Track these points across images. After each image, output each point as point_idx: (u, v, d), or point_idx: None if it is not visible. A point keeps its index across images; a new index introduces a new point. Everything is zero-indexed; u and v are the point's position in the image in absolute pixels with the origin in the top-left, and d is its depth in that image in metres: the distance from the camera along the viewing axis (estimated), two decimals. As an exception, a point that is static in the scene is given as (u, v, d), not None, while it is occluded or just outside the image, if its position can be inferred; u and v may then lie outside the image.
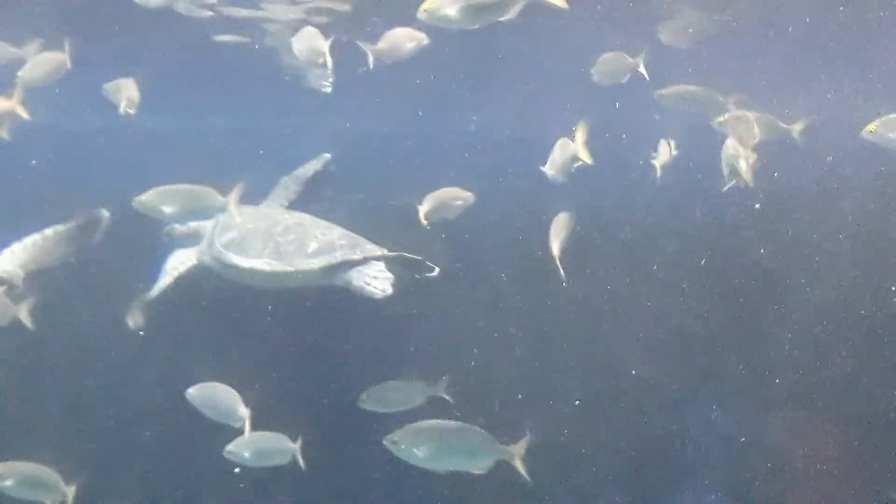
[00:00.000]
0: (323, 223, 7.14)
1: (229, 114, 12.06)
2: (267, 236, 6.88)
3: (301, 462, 6.74)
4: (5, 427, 8.08)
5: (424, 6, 5.59)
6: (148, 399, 8.35)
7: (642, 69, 7.33)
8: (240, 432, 6.60)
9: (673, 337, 9.23)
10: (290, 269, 6.78)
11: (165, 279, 7.14)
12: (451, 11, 5.55)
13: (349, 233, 7.06)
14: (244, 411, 6.52)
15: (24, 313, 6.66)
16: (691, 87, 7.70)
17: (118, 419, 8.53)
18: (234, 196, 6.41)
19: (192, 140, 11.21)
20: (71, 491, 6.36)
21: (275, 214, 7.23)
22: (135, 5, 7.84)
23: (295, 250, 6.80)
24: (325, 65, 6.38)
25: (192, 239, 7.29)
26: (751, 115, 7.04)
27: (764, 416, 8.99)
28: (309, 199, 8.01)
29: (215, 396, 6.61)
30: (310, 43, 6.37)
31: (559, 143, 6.46)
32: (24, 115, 6.72)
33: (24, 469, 6.47)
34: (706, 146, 6.93)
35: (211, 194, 6.40)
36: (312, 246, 6.84)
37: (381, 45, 6.73)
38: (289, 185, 8.03)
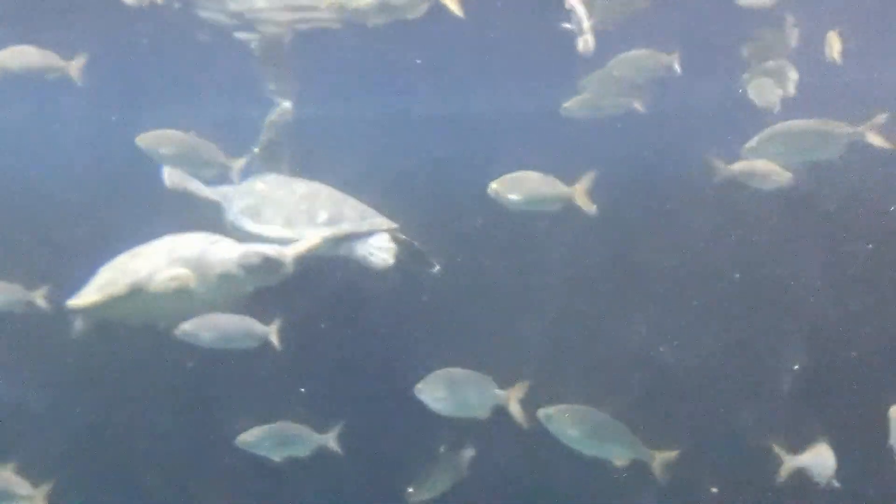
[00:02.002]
0: (338, 195, 7.48)
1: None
2: (280, 205, 7.27)
3: (335, 446, 6.96)
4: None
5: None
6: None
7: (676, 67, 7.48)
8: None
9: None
10: (296, 236, 7.09)
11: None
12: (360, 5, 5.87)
13: (360, 204, 7.43)
14: (264, 328, 6.52)
15: (39, 297, 7.08)
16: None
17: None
18: (240, 163, 6.97)
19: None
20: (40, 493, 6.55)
21: (293, 185, 7.57)
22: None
23: (305, 220, 7.18)
24: None
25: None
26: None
27: None
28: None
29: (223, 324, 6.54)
30: None
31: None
32: None
33: None
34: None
35: (212, 150, 6.85)
36: (322, 216, 7.19)
37: None
38: (272, 152, 8.09)
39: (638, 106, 7.76)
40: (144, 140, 6.86)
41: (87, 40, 8.72)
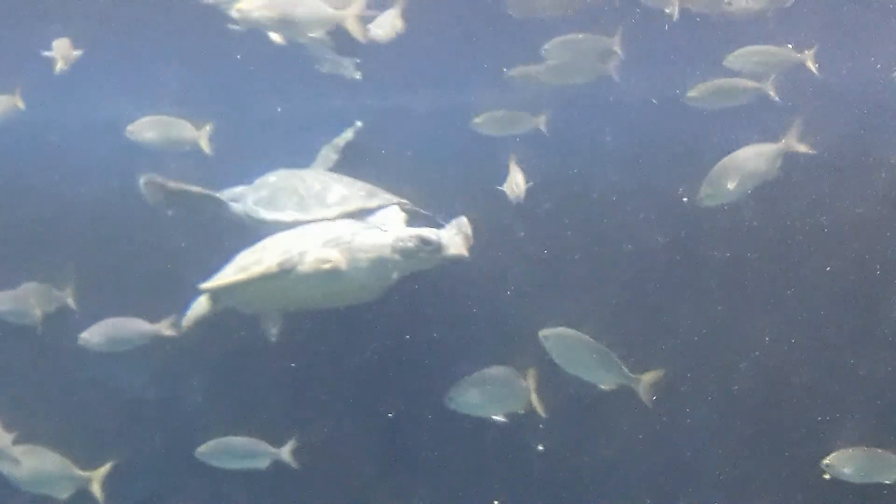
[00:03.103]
0: (347, 179, 7.89)
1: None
2: (292, 192, 7.69)
3: (290, 460, 7.24)
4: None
5: (238, 5, 6.21)
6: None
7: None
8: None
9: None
10: (309, 218, 7.52)
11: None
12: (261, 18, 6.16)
13: (370, 185, 7.79)
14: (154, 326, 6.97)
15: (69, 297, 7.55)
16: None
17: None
18: (205, 131, 7.40)
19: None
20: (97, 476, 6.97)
21: (305, 174, 8.00)
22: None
23: (315, 202, 7.55)
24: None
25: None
26: None
27: None
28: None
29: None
30: None
31: None
32: None
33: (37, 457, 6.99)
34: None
35: (183, 125, 7.43)
36: (332, 197, 7.58)
37: None
38: (328, 155, 8.59)
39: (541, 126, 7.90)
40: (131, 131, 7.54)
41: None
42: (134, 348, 7.22)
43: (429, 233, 6.30)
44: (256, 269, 6.43)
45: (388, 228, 6.74)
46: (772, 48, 7.68)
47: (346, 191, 7.57)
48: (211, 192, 7.59)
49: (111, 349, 7.14)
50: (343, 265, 6.30)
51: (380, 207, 7.50)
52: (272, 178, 7.89)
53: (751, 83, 7.68)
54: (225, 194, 7.88)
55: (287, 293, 6.59)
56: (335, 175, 7.95)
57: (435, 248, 6.23)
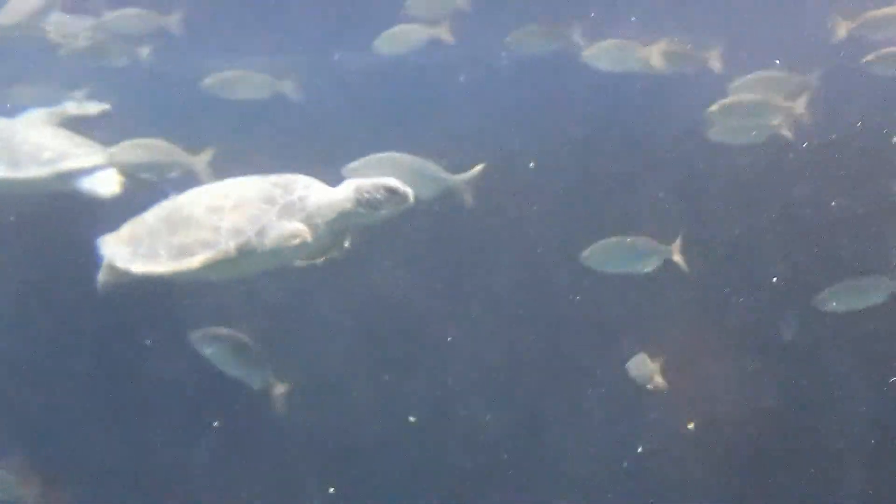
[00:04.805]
0: (63, 133, 7.60)
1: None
2: (4, 145, 7.38)
3: None
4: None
5: None
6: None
7: None
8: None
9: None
10: (22, 176, 7.29)
11: None
12: None
13: (88, 141, 7.50)
14: None
15: None
16: None
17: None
18: None
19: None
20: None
21: (15, 126, 7.65)
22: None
23: (29, 159, 7.30)
24: None
25: None
26: None
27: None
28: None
29: None
30: None
31: None
32: None
33: None
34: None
35: None
36: (46, 154, 7.32)
37: None
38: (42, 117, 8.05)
39: None
40: None
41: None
42: None
43: (393, 182, 5.76)
44: (208, 254, 5.67)
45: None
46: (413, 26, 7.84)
47: (62, 148, 7.32)
48: None
49: None
50: (308, 237, 5.70)
51: (97, 166, 7.31)
52: None
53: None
54: None
55: (234, 269, 5.92)
56: (50, 128, 7.64)
57: (403, 197, 5.75)
